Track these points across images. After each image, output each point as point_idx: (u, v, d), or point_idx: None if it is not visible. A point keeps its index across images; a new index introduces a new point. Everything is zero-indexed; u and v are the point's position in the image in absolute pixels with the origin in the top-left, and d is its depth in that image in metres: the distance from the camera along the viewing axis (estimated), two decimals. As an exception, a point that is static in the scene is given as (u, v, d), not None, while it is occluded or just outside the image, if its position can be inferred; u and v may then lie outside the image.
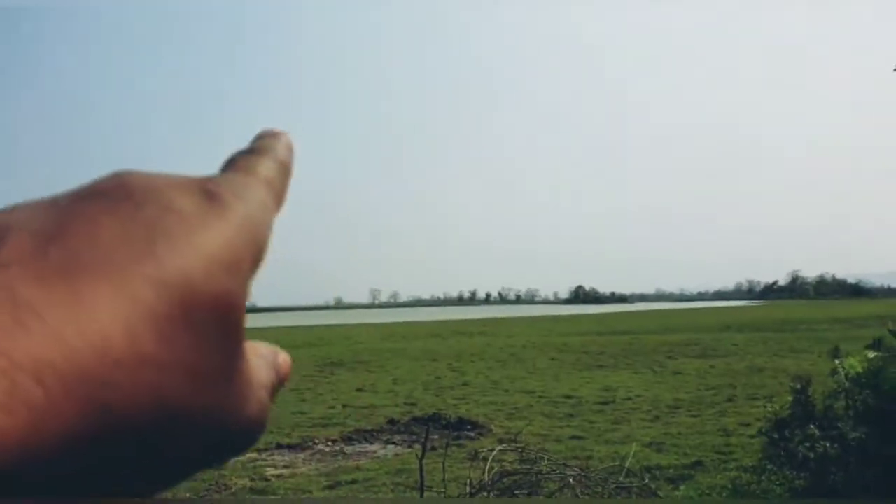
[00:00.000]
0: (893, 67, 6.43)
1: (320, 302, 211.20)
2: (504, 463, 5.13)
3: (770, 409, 6.14)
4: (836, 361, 5.93)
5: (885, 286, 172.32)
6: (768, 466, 5.97)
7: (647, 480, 5.29)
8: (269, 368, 0.29)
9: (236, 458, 7.68)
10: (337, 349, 25.99)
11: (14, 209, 0.22)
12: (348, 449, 8.34)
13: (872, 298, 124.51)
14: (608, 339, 27.74)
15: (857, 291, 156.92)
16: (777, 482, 5.82)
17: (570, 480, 4.52)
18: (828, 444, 5.57)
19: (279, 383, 0.30)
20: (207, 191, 0.25)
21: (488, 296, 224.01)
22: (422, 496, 4.84)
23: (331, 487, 6.42)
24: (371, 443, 8.70)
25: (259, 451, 8.15)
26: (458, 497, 5.19)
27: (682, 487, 6.07)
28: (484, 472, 4.74)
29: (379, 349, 25.16)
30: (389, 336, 35.53)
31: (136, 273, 0.20)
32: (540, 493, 4.55)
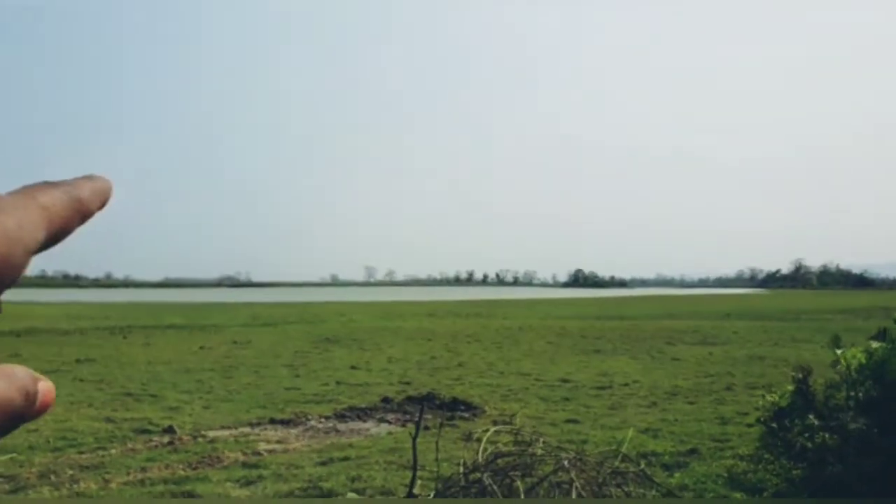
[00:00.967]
0: None
1: (315, 279, 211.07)
2: (498, 444, 5.05)
3: (769, 399, 6.06)
4: (838, 352, 5.84)
5: (891, 277, 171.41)
6: (765, 456, 5.90)
7: (642, 466, 5.21)
8: (13, 389, 0.31)
9: (230, 433, 7.64)
10: (332, 326, 25.98)
11: None
12: (341, 426, 8.28)
13: (877, 289, 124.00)
14: (607, 323, 27.72)
15: (861, 282, 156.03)
16: (774, 472, 5.75)
17: (565, 464, 4.44)
18: (827, 435, 5.49)
19: (27, 408, 0.31)
20: None
21: (485, 277, 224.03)
22: (414, 475, 4.76)
23: (323, 464, 6.36)
24: (364, 420, 8.64)
25: (252, 425, 8.09)
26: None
27: (677, 474, 6.01)
28: (478, 453, 4.65)
29: (374, 327, 25.14)
30: (385, 315, 35.53)
31: None
32: (534, 475, 4.47)
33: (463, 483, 4.43)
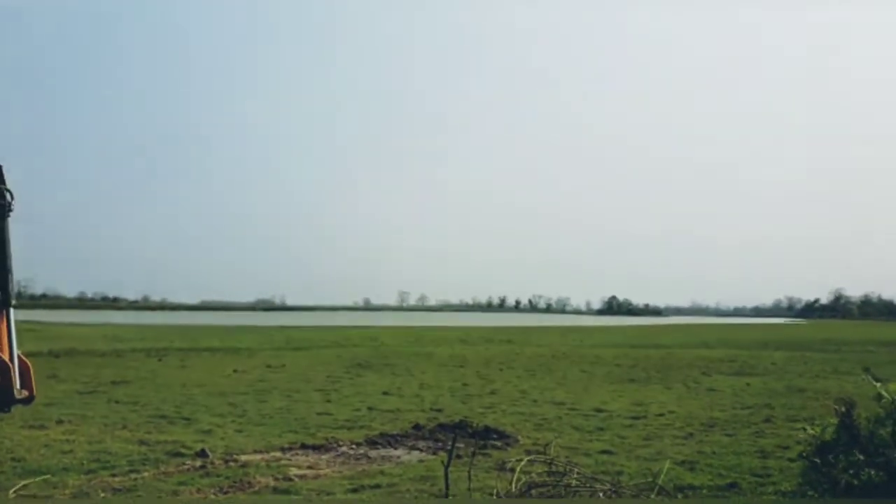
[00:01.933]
0: None
1: (348, 303, 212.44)
2: (532, 474, 4.98)
3: (811, 432, 5.87)
4: (877, 384, 5.65)
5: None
6: (809, 492, 5.70)
7: (680, 499, 5.08)
8: None
9: (261, 457, 7.68)
10: (364, 351, 26.03)
11: None
12: (372, 452, 8.25)
13: None
14: (641, 352, 27.24)
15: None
16: (818, 509, 5.56)
17: (601, 495, 4.36)
18: (873, 472, 5.29)
19: None
20: None
21: (518, 303, 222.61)
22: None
23: (354, 490, 6.33)
24: (395, 447, 8.60)
25: (283, 450, 8.12)
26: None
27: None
28: (511, 483, 4.60)
29: (406, 353, 25.11)
30: (417, 340, 35.49)
31: None
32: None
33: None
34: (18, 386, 6.13)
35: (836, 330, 61.27)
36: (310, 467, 7.28)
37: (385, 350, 26.62)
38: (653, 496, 5.05)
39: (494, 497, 4.55)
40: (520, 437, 9.07)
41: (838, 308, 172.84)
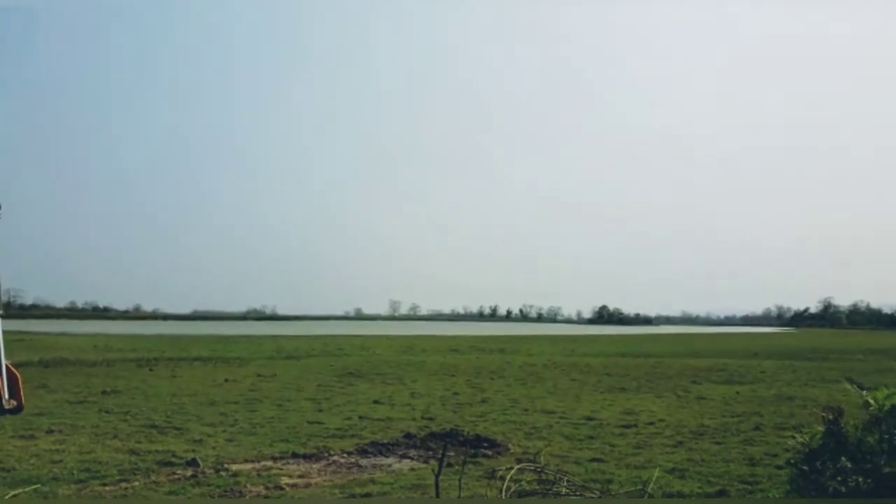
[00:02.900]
0: None
1: (340, 312, 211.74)
2: (522, 483, 5.01)
3: (799, 440, 5.93)
4: (864, 392, 5.73)
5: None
6: (797, 500, 5.75)
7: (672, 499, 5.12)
8: None
9: (252, 466, 7.67)
10: (355, 360, 25.98)
11: None
12: (364, 461, 8.25)
13: None
14: (631, 361, 27.32)
15: (893, 322, 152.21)
16: (806, 516, 5.61)
17: (590, 504, 4.39)
18: (860, 479, 5.35)
19: None
20: None
21: (509, 312, 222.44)
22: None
23: (345, 499, 6.34)
24: (387, 456, 8.60)
25: (274, 459, 8.11)
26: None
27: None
28: (501, 491, 4.62)
29: (397, 361, 25.08)
30: (408, 349, 35.45)
31: None
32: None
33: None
34: (7, 396, 6.10)
35: (825, 339, 61.72)
36: (301, 476, 7.27)
37: (376, 359, 26.58)
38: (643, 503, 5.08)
39: (485, 505, 4.58)
40: (510, 446, 9.10)
41: (827, 317, 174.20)
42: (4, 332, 6.45)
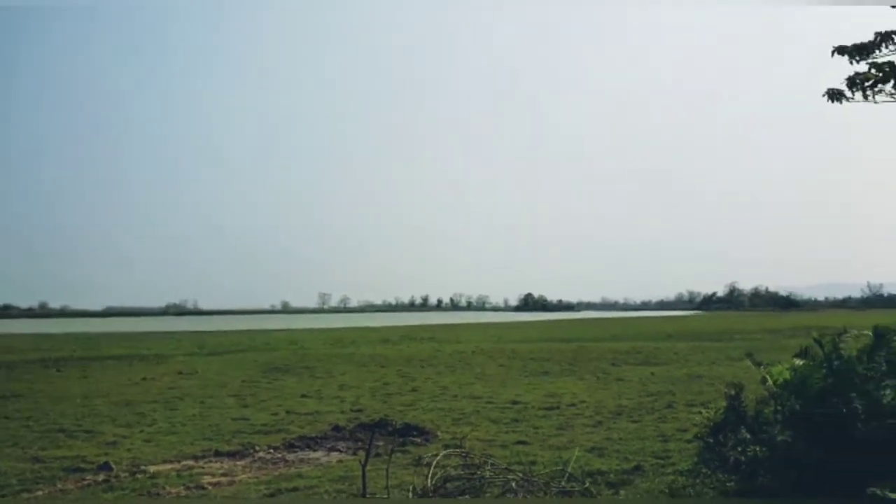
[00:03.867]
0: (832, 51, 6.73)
1: (266, 306, 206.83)
2: (448, 468, 5.13)
3: (705, 415, 6.34)
4: (761, 368, 6.18)
5: (812, 299, 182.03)
6: (703, 470, 6.15)
7: (587, 485, 5.37)
8: None
9: (171, 467, 7.47)
10: (282, 354, 25.55)
11: None
12: (290, 456, 8.20)
13: (801, 310, 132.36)
14: (555, 346, 28.11)
15: (788, 304, 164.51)
16: (710, 485, 6.00)
17: (513, 485, 4.56)
18: (757, 448, 5.78)
19: None
20: None
21: (440, 302, 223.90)
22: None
23: (270, 495, 6.29)
24: (314, 450, 8.57)
25: (196, 458, 7.93)
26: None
27: (622, 492, 6.18)
28: (427, 478, 4.73)
29: (326, 354, 24.83)
30: (337, 341, 35.14)
31: None
32: (483, 498, 4.57)
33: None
34: None
35: (730, 321, 65.44)
36: (224, 474, 7.16)
37: (304, 353, 26.23)
38: (563, 483, 5.31)
39: (410, 494, 4.67)
40: (439, 433, 9.25)
41: (732, 300, 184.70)
42: None
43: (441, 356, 23.01)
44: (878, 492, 4.44)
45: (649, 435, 8.71)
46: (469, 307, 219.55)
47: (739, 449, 5.77)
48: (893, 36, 6.47)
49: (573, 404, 11.59)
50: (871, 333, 5.94)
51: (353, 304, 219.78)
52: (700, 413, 6.53)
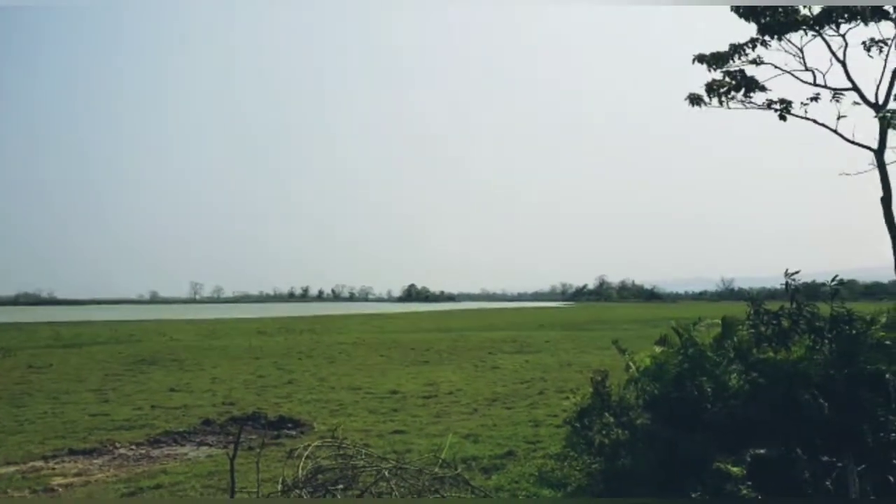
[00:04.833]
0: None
1: (132, 295, 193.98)
2: (321, 459, 5.03)
3: (573, 401, 6.65)
4: (625, 355, 6.58)
5: (674, 292, 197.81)
6: (570, 453, 6.45)
7: (460, 471, 5.47)
8: None
9: (16, 469, 6.82)
10: (149, 346, 24.09)
11: None
12: (155, 452, 7.74)
13: (663, 302, 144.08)
14: (435, 336, 28.50)
15: (651, 296, 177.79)
16: (577, 467, 6.31)
17: (386, 473, 4.55)
18: (620, 431, 6.14)
19: None
20: None
21: (321, 293, 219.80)
22: (232, 496, 4.60)
23: (130, 493, 5.90)
24: (182, 445, 8.15)
25: (45, 458, 7.29)
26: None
27: (494, 476, 6.35)
28: (299, 469, 4.62)
29: (197, 347, 23.68)
30: (210, 333, 33.62)
31: None
32: (355, 488, 4.52)
33: (282, 502, 4.37)
34: None
35: (599, 312, 69.42)
36: (78, 474, 6.63)
37: (174, 345, 24.86)
38: (436, 469, 5.37)
39: (280, 486, 4.55)
40: (315, 424, 9.09)
41: (602, 292, 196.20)
42: None
43: (320, 348, 22.63)
44: (722, 466, 4.85)
45: (522, 420, 9.02)
46: (352, 298, 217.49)
47: (604, 432, 6.10)
48: (745, 48, 7.06)
49: (451, 392, 11.79)
50: (720, 323, 6.48)
51: (228, 294, 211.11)
52: (568, 399, 6.83)
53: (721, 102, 7.19)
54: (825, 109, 6.75)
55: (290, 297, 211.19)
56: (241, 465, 5.62)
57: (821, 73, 6.93)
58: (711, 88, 7.12)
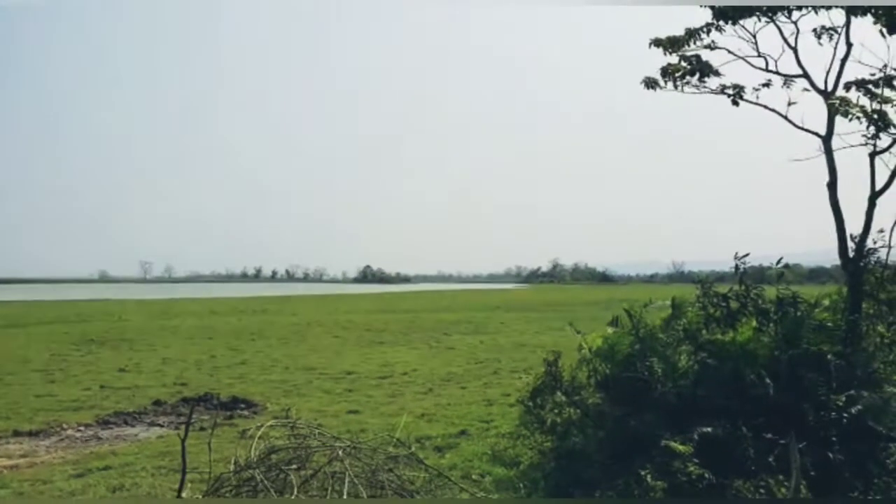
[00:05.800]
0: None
1: (80, 275, 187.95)
2: (274, 440, 5.01)
3: (526, 380, 6.78)
4: (579, 335, 6.72)
5: (626, 274, 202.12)
6: (523, 432, 6.59)
7: (413, 450, 5.52)
8: None
9: (-43, 450, 6.59)
10: (98, 326, 23.45)
11: None
12: (104, 433, 7.59)
13: (615, 284, 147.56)
14: (391, 317, 28.50)
15: (604, 278, 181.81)
16: (529, 446, 6.45)
17: (339, 453, 4.56)
18: (571, 410, 6.29)
19: None
20: None
21: (275, 273, 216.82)
22: (183, 477, 4.56)
23: (79, 476, 5.78)
24: (132, 426, 8.02)
25: (-12, 440, 7.08)
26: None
27: (447, 455, 6.45)
28: (251, 450, 4.60)
29: (148, 327, 23.17)
30: (161, 313, 32.91)
31: None
32: (309, 468, 4.53)
33: (234, 482, 4.35)
34: None
35: (553, 293, 70.52)
36: (23, 455, 6.47)
37: (123, 325, 24.27)
38: (390, 448, 5.41)
39: (232, 467, 4.52)
40: (268, 405, 9.04)
41: (555, 275, 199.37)
42: None
43: (273, 328, 22.41)
44: (670, 444, 5.02)
45: (475, 400, 9.15)
46: (306, 279, 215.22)
47: (556, 411, 6.24)
48: (700, 32, 7.18)
49: (405, 372, 11.86)
50: (670, 305, 6.67)
51: (179, 273, 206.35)
52: (521, 378, 6.96)
53: (676, 86, 7.30)
54: (776, 95, 6.92)
55: (244, 278, 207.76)
56: (192, 445, 5.55)
57: (773, 59, 7.10)
58: (667, 72, 7.22)
